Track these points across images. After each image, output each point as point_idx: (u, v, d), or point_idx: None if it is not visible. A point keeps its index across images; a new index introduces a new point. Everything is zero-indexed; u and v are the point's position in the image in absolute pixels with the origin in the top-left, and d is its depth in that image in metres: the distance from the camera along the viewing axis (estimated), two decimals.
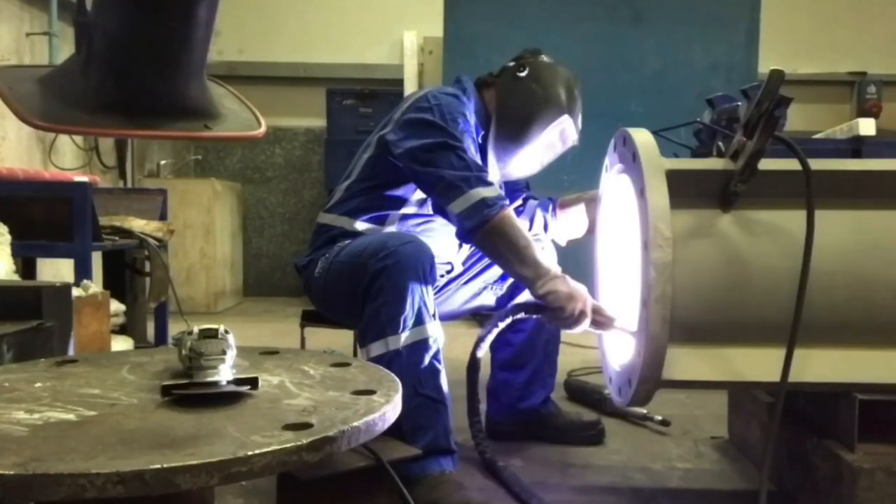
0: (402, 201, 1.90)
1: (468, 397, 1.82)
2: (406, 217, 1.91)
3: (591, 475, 1.88)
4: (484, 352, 1.81)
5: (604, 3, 4.47)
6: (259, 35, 5.68)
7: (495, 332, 1.77)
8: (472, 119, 1.90)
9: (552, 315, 1.68)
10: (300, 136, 5.86)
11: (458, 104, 1.87)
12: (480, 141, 1.96)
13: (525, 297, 2.02)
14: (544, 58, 2.02)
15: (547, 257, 1.73)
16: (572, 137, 2.00)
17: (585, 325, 1.66)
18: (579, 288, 1.67)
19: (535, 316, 1.75)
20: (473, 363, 1.80)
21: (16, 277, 2.01)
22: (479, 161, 1.83)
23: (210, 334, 1.09)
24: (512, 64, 2.02)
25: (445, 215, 1.78)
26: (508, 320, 1.75)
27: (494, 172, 1.97)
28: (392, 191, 1.89)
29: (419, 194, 1.91)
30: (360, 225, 1.87)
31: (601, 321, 1.66)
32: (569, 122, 1.96)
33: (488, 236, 1.69)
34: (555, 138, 1.97)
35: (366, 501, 1.37)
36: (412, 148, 1.78)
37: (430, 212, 1.94)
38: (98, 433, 0.86)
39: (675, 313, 1.37)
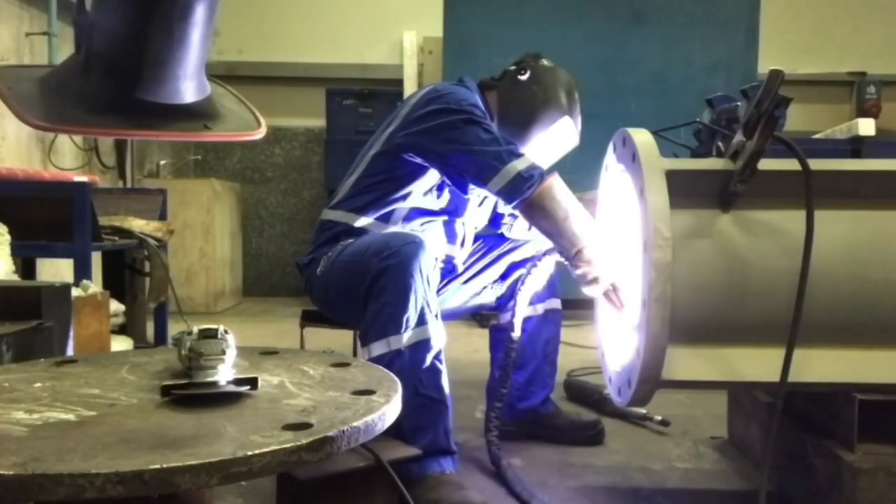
0: (408, 196, 1.90)
1: (497, 381, 1.88)
2: (412, 213, 1.91)
3: (590, 475, 1.88)
4: (525, 305, 1.93)
5: (604, 3, 4.48)
6: (259, 35, 5.68)
7: (535, 271, 1.89)
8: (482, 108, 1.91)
9: (572, 268, 1.75)
10: (300, 136, 5.86)
11: (468, 93, 1.90)
12: None
13: (527, 312, 2.08)
14: (545, 61, 2.04)
15: (587, 227, 1.75)
16: (573, 139, 2.02)
17: (596, 292, 1.70)
18: (603, 260, 1.70)
19: (562, 260, 1.82)
20: (507, 322, 1.91)
21: (15, 277, 2.01)
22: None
23: (210, 334, 1.09)
24: (513, 67, 2.04)
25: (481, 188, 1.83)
26: (543, 257, 1.89)
27: None
28: (398, 186, 1.89)
29: (424, 186, 1.91)
30: (365, 221, 1.87)
31: (612, 300, 1.68)
32: (569, 123, 1.98)
33: (529, 210, 1.75)
34: (555, 140, 1.99)
35: (366, 501, 1.37)
36: (433, 127, 1.79)
37: (435, 207, 1.95)
38: (98, 433, 0.86)
39: (675, 313, 1.37)
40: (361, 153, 1.98)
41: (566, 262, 1.78)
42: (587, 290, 1.73)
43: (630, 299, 1.67)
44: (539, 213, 1.74)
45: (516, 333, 1.88)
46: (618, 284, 1.69)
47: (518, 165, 1.72)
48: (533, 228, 1.90)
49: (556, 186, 1.74)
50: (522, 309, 1.91)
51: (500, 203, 1.94)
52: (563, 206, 1.73)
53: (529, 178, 1.71)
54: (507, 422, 2.13)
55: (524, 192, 1.71)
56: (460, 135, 1.76)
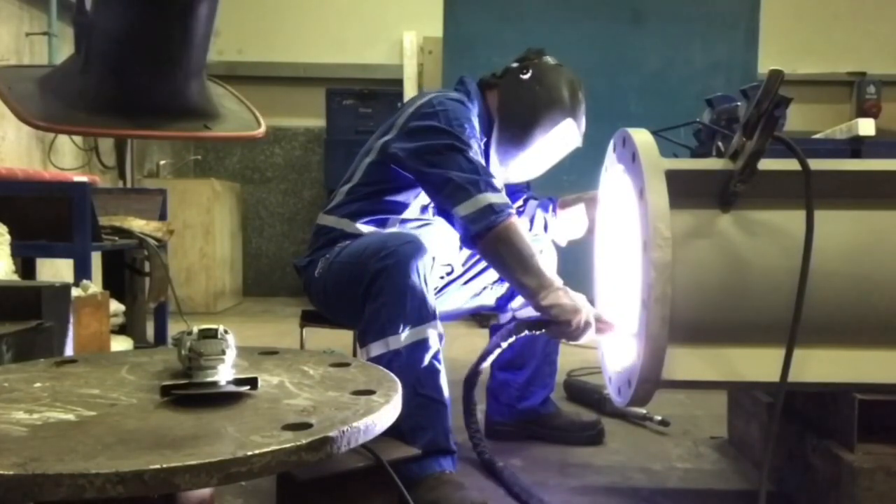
0: (403, 206, 1.90)
1: (464, 409, 1.81)
2: (406, 221, 1.91)
3: (590, 475, 1.88)
4: (485, 367, 1.79)
5: (604, 3, 4.47)
6: (259, 35, 5.68)
7: (498, 352, 1.76)
8: (476, 124, 1.89)
9: (557, 330, 1.67)
10: (300, 137, 5.86)
11: (463, 109, 1.86)
12: (483, 144, 1.95)
13: (527, 312, 2.01)
14: (548, 59, 2.00)
15: (549, 267, 1.72)
16: (575, 140, 2.00)
17: (590, 334, 1.66)
18: (580, 299, 1.68)
19: (538, 332, 1.72)
20: (472, 376, 1.79)
21: (15, 277, 2.01)
22: (486, 166, 1.82)
23: (209, 334, 1.09)
24: (515, 65, 2.00)
25: (449, 218, 1.75)
26: (512, 339, 1.73)
27: (497, 175, 1.97)
28: (393, 196, 1.88)
29: (420, 199, 1.90)
30: (361, 227, 1.87)
31: (603, 328, 1.67)
32: (572, 125, 1.95)
33: (493, 243, 1.68)
34: (558, 141, 1.97)
35: (365, 501, 1.37)
36: (419, 148, 1.77)
37: (431, 217, 1.94)
38: (97, 433, 0.86)
39: (675, 313, 1.37)
40: (358, 157, 1.96)
41: (538, 332, 1.70)
42: (583, 340, 1.66)
43: (614, 311, 1.67)
44: (506, 247, 1.67)
45: (479, 368, 1.77)
46: (598, 313, 1.67)
47: (491, 198, 1.68)
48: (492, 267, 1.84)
49: (521, 225, 1.72)
50: (485, 365, 1.79)
51: (459, 237, 1.81)
52: (528, 244, 1.69)
53: (500, 212, 1.66)
54: (507, 422, 2.13)
55: (493, 221, 1.65)
56: (441, 159, 1.73)
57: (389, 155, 1.84)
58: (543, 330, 1.70)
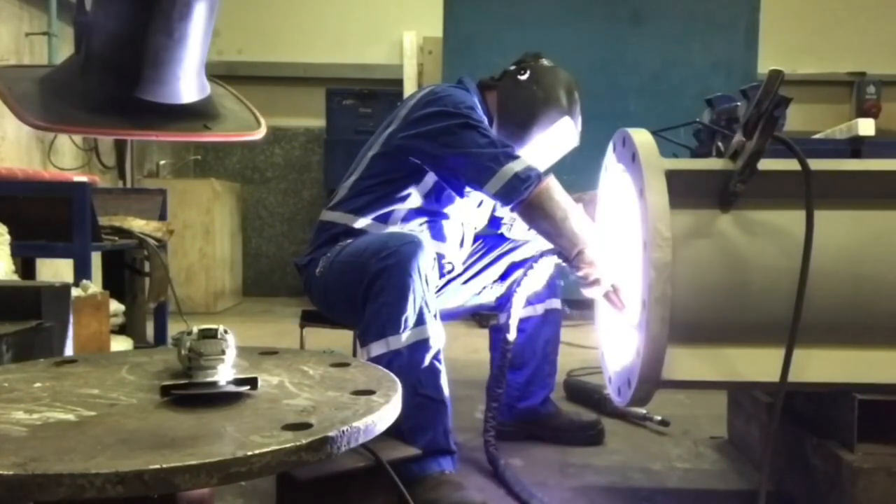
0: (406, 196, 1.91)
1: (493, 381, 1.85)
2: (410, 214, 1.91)
3: (590, 475, 1.88)
4: (521, 307, 1.90)
5: (603, 3, 4.48)
6: (259, 35, 5.68)
7: (531, 273, 1.86)
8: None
9: (573, 270, 1.75)
10: (300, 136, 5.86)
11: (467, 94, 1.91)
12: None
13: (527, 312, 2.08)
14: (545, 61, 2.04)
15: (585, 227, 1.77)
16: (572, 140, 2.03)
17: (597, 293, 1.71)
18: (604, 261, 1.72)
19: (561, 262, 1.82)
20: (504, 328, 1.88)
21: (15, 277, 2.01)
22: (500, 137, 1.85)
23: (209, 334, 1.09)
24: (513, 67, 2.04)
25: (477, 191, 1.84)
26: (540, 259, 1.85)
27: None
28: (397, 187, 1.89)
29: (424, 188, 1.91)
30: (364, 222, 1.87)
31: (613, 301, 1.70)
32: (569, 123, 1.98)
33: (527, 211, 1.76)
34: (555, 140, 2.00)
35: (365, 501, 1.37)
36: (431, 132, 1.80)
37: (434, 208, 1.95)
38: (97, 433, 0.86)
39: (675, 313, 1.37)
40: (360, 154, 1.98)
41: (565, 264, 1.78)
42: (588, 292, 1.74)
43: (630, 299, 1.67)
44: (538, 213, 1.75)
45: (512, 335, 1.87)
46: (618, 285, 1.70)
47: (515, 167, 1.72)
48: (531, 230, 1.90)
49: (554, 187, 1.75)
50: (518, 311, 1.90)
51: (499, 206, 1.93)
52: (561, 207, 1.74)
53: (527, 179, 1.71)
54: (506, 422, 2.13)
55: (522, 193, 1.71)
56: (456, 139, 1.77)
57: (397, 145, 1.85)
58: (564, 263, 1.80)
